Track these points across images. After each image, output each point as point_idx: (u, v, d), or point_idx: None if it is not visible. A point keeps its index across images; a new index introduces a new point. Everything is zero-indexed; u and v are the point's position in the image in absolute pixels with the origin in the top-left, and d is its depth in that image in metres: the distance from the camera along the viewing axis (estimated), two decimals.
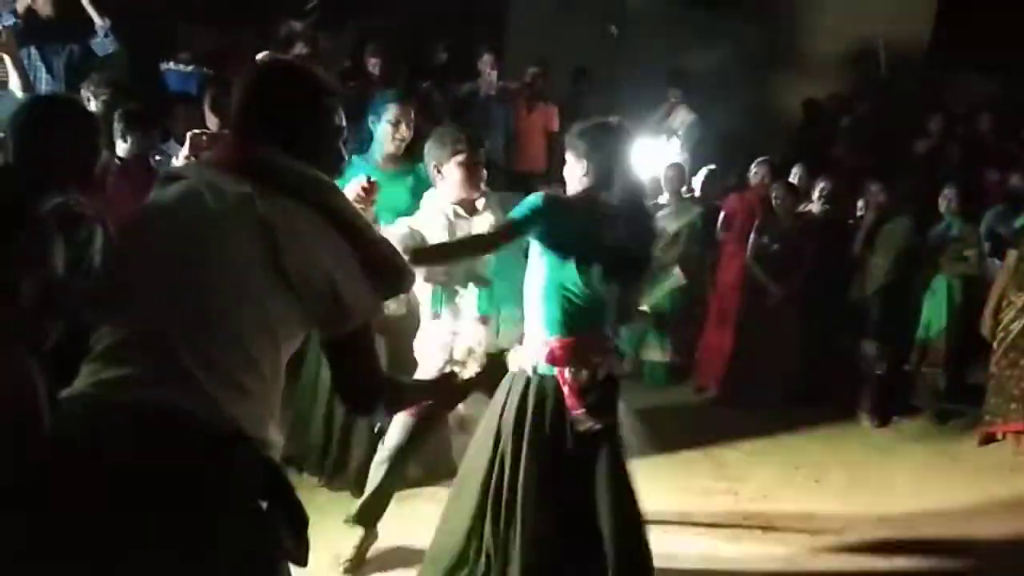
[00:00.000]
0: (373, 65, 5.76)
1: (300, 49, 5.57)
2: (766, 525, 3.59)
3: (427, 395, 1.97)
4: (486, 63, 6.20)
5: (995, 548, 3.53)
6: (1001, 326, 4.67)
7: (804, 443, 4.67)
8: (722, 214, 5.45)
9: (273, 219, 1.39)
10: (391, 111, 3.33)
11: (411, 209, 3.32)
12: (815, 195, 5.57)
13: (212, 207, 1.41)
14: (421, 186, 3.35)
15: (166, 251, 1.41)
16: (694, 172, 5.90)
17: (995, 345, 4.71)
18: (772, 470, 4.23)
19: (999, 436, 4.76)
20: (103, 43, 4.69)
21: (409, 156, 3.43)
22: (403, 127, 3.34)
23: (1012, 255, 4.79)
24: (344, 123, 1.61)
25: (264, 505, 1.40)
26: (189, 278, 1.39)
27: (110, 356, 1.38)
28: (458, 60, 6.72)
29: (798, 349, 5.19)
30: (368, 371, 1.54)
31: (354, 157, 3.40)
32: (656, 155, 5.67)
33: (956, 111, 7.82)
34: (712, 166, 5.81)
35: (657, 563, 2.54)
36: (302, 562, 1.46)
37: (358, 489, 3.11)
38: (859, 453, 4.60)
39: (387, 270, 1.49)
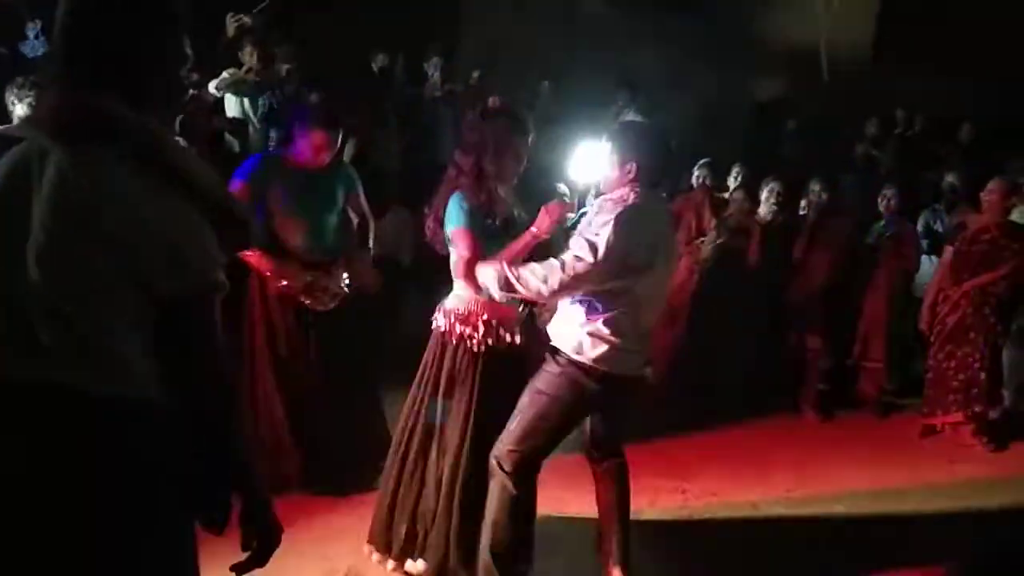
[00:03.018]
0: (285, 70, 5.67)
1: (249, 52, 5.48)
2: (713, 520, 3.64)
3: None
4: (433, 65, 6.19)
5: (938, 537, 3.62)
6: (938, 319, 4.81)
7: (751, 439, 4.75)
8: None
9: (93, 189, 1.32)
10: (316, 136, 3.39)
11: (338, 206, 3.51)
12: (764, 196, 5.65)
13: (32, 177, 1.33)
14: (350, 184, 3.56)
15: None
16: None
17: (932, 338, 4.86)
18: (720, 466, 4.29)
19: (938, 427, 4.91)
20: (33, 44, 4.55)
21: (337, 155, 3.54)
22: (325, 154, 3.42)
23: (948, 251, 4.95)
24: (189, 50, 1.47)
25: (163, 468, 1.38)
26: (16, 253, 1.33)
27: None
28: (409, 62, 6.69)
29: (745, 347, 5.27)
30: (198, 348, 1.40)
31: (273, 156, 3.48)
32: (603, 159, 5.66)
33: (895, 113, 8.04)
34: None
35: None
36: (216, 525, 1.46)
37: None
38: (805, 447, 4.69)
39: (229, 224, 1.43)
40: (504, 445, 2.67)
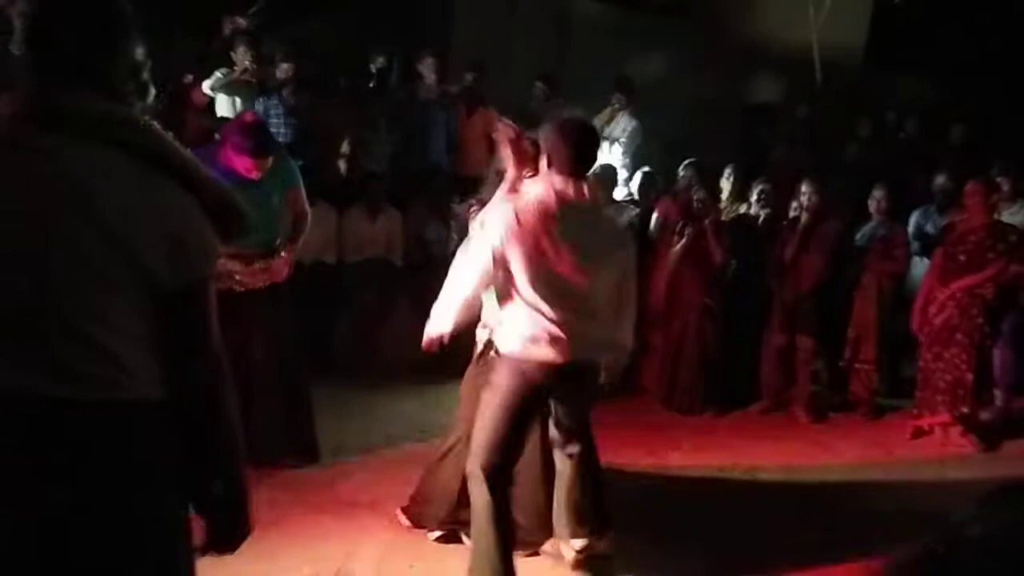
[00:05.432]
0: (284, 70, 5.68)
1: (242, 52, 5.48)
2: (701, 518, 3.62)
3: None
4: (427, 66, 6.18)
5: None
6: (927, 321, 4.82)
7: (742, 440, 4.76)
8: (655, 216, 5.50)
9: (87, 180, 1.31)
10: (244, 161, 3.50)
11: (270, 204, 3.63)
12: (753, 198, 5.64)
13: (28, 174, 1.32)
14: (289, 180, 3.71)
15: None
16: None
17: (922, 340, 4.87)
18: (711, 467, 4.29)
19: (928, 428, 4.92)
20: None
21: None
22: (254, 175, 3.54)
23: (938, 253, 4.95)
24: (145, 57, 1.48)
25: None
26: (21, 255, 1.32)
27: None
28: (401, 64, 6.68)
29: (733, 349, 5.27)
30: (198, 339, 1.41)
31: (212, 148, 3.55)
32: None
33: (887, 115, 8.06)
34: (647, 168, 5.85)
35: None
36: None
37: None
38: (795, 448, 4.69)
39: (224, 211, 1.42)
40: (481, 452, 2.76)
